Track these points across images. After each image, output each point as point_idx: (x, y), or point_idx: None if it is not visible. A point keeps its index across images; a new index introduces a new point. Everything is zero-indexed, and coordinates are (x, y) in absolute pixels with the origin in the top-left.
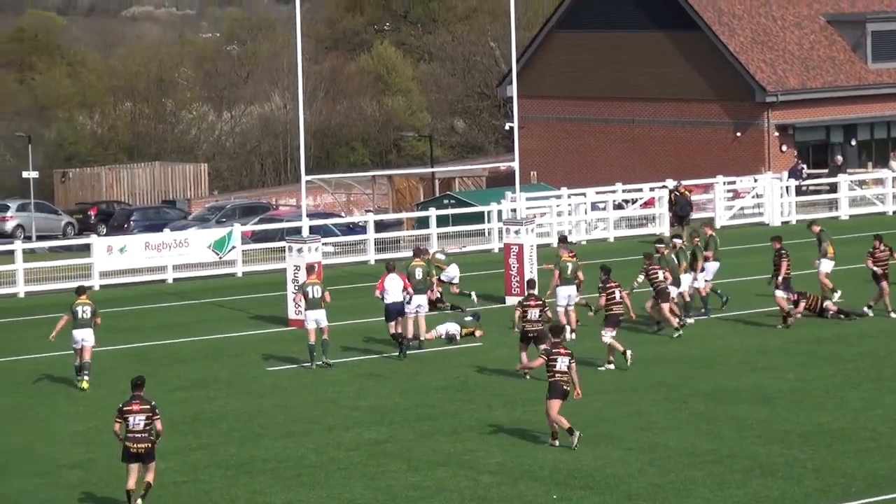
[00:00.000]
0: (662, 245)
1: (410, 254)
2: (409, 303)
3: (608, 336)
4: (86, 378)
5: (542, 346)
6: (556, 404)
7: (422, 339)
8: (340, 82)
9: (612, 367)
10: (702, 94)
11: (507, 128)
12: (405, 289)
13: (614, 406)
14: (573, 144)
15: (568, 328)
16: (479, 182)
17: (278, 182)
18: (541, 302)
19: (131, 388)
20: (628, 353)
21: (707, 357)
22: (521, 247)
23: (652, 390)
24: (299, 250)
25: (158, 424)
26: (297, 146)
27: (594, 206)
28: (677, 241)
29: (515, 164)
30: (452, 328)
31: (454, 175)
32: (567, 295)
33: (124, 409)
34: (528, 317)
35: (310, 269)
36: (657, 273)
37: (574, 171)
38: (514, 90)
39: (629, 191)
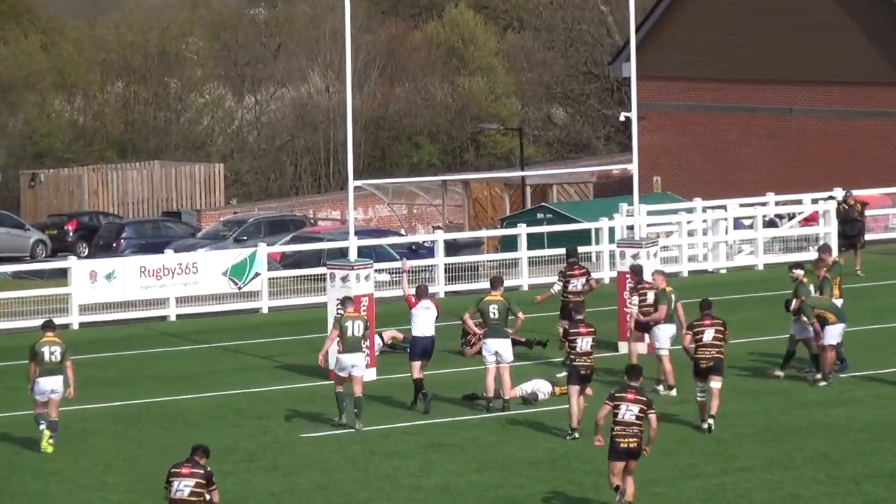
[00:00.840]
0: (801, 272)
1: (487, 285)
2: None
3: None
4: (50, 438)
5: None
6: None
7: (506, 398)
8: (401, 58)
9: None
10: (881, 75)
11: (621, 119)
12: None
13: (765, 487)
14: (709, 141)
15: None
16: (585, 191)
17: (318, 189)
18: (592, 329)
19: (191, 451)
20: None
21: (887, 423)
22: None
23: (812, 466)
24: (344, 279)
25: (215, 496)
26: (343, 141)
27: (737, 224)
28: (797, 271)
29: (633, 167)
30: (541, 386)
31: (551, 181)
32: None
33: (172, 470)
34: (578, 347)
35: (346, 301)
36: (646, 295)
37: (710, 177)
38: (632, 69)
39: (784, 203)
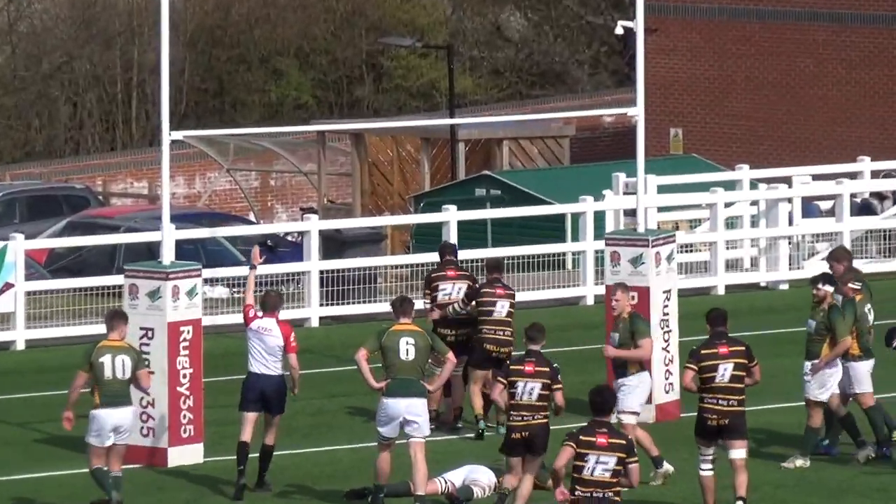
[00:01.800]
0: (830, 288)
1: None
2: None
3: None
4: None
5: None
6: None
7: (420, 494)
8: None
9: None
10: None
11: (618, 31)
12: (286, 350)
13: None
14: (762, 69)
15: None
16: (557, 151)
17: (111, 145)
18: (545, 368)
19: None
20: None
21: None
22: (645, 293)
23: None
24: (153, 296)
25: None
26: (154, 67)
27: (809, 209)
28: (826, 287)
29: (637, 112)
30: (479, 476)
31: (500, 134)
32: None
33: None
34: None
35: (114, 318)
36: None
37: (762, 130)
38: None
39: (889, 174)
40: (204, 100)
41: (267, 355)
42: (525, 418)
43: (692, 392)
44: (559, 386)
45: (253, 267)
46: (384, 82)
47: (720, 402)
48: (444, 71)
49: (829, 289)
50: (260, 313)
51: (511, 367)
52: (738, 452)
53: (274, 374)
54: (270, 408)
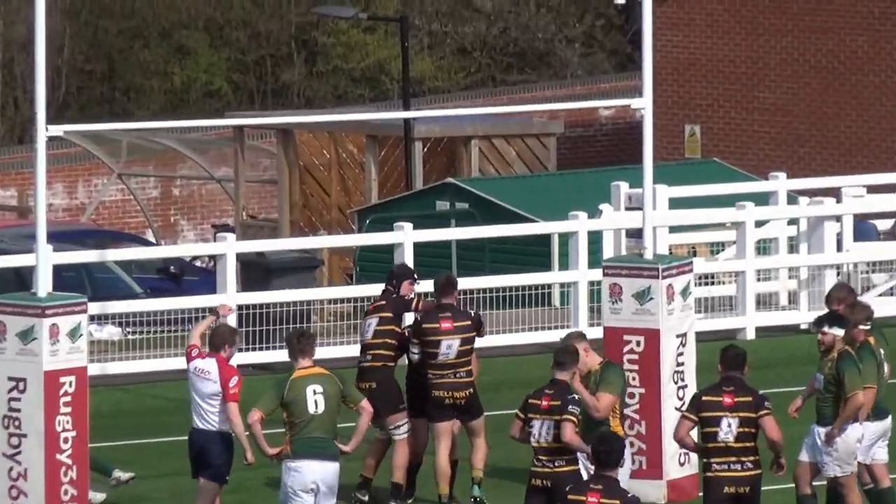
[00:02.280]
0: (837, 331)
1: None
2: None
3: None
4: None
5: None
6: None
7: None
8: None
9: None
10: None
11: (617, 1)
12: (224, 399)
13: None
14: (797, 48)
15: None
16: (541, 152)
17: None
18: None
19: None
20: None
21: None
22: (654, 336)
23: None
24: (25, 337)
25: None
26: (26, 43)
27: (863, 230)
28: (834, 331)
29: (645, 104)
30: None
31: (467, 131)
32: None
33: None
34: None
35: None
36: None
37: (805, 131)
38: None
39: None
40: (89, 85)
41: (201, 403)
42: (545, 464)
43: (688, 444)
44: (569, 417)
45: (216, 314)
46: (319, 64)
47: (728, 465)
48: (395, 50)
49: (839, 332)
50: (205, 350)
51: (529, 400)
52: None
53: (207, 428)
54: (209, 468)
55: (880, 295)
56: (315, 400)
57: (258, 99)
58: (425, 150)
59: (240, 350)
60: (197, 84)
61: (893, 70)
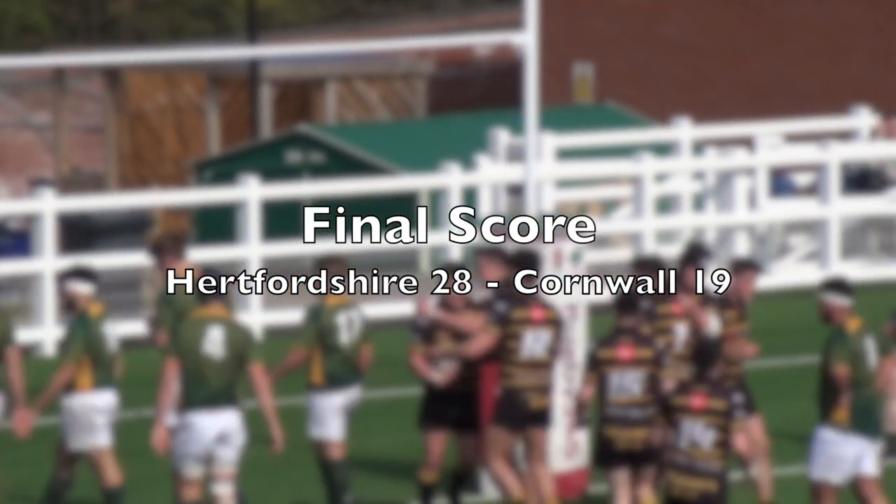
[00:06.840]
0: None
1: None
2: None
3: None
4: None
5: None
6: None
7: None
8: None
9: None
10: None
11: None
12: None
13: None
14: None
15: None
16: (406, 96)
17: None
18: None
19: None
20: None
21: None
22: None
23: None
24: None
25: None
26: None
27: (781, 183)
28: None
29: (527, 38)
30: None
31: (324, 72)
32: None
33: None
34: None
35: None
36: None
37: (710, 68)
38: None
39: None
40: None
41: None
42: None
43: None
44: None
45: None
46: None
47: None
48: None
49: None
50: None
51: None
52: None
53: None
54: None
55: (806, 259)
56: (212, 346)
57: (82, 35)
58: (274, 94)
59: (57, 323)
60: (9, 17)
61: (816, 2)
